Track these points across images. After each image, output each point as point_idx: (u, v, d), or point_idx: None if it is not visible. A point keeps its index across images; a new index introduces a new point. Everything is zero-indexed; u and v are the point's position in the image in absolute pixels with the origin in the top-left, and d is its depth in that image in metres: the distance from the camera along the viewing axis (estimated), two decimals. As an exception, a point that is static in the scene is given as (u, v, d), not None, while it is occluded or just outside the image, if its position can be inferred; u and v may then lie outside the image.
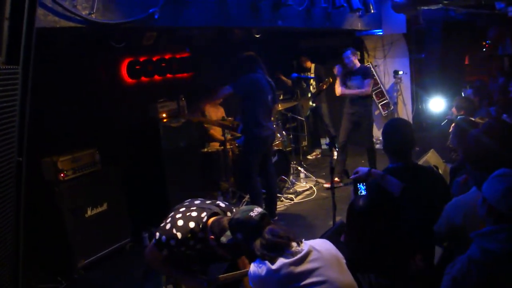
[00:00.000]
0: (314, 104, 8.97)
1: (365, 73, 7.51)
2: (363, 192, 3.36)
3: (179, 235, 3.31)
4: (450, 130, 5.50)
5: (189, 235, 3.32)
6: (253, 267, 2.70)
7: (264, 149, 6.06)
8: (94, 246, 5.34)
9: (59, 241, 5.11)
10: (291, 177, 7.81)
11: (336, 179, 7.55)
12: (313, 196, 7.46)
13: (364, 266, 2.95)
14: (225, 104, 7.51)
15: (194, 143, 6.74)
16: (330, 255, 2.69)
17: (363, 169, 3.47)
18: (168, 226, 3.38)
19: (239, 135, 6.69)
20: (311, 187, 7.80)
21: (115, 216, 5.59)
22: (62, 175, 5.09)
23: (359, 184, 3.40)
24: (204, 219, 3.35)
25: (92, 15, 3.80)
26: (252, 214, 2.89)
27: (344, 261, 2.74)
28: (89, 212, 5.31)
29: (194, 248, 3.39)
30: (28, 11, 2.12)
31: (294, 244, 2.67)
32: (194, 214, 3.42)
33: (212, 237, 3.24)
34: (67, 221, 5.07)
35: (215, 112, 7.43)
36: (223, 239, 3.09)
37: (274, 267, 2.58)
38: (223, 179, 7.18)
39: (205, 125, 7.29)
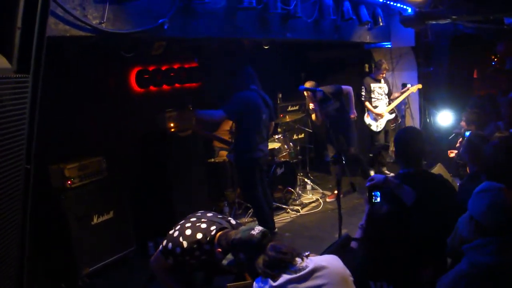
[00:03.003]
0: (394, 114, 8.93)
1: (332, 94, 7.56)
2: (378, 200, 3.33)
3: (185, 244, 3.33)
4: (457, 145, 5.48)
5: (195, 246, 3.34)
6: (255, 286, 2.69)
7: (256, 169, 5.88)
8: (99, 253, 5.35)
9: (64, 248, 5.12)
10: (297, 189, 7.79)
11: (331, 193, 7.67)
12: (319, 208, 7.45)
13: (377, 274, 2.93)
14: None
15: (201, 153, 6.75)
16: (337, 272, 2.65)
17: (379, 176, 3.45)
18: (175, 234, 3.41)
19: (226, 146, 6.62)
20: (317, 199, 7.78)
21: (120, 224, 5.60)
22: (69, 182, 5.11)
23: (374, 192, 3.36)
24: (213, 233, 3.38)
25: (103, 24, 3.83)
26: (253, 232, 2.84)
27: (351, 279, 2.71)
28: (95, 220, 5.32)
29: (199, 259, 3.40)
30: (40, 20, 2.14)
31: (298, 260, 2.64)
32: (203, 226, 3.44)
33: (219, 250, 3.24)
34: (73, 228, 5.08)
35: (226, 121, 7.43)
36: (224, 261, 3.07)
37: (275, 284, 2.56)
38: (230, 190, 7.18)
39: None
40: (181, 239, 3.37)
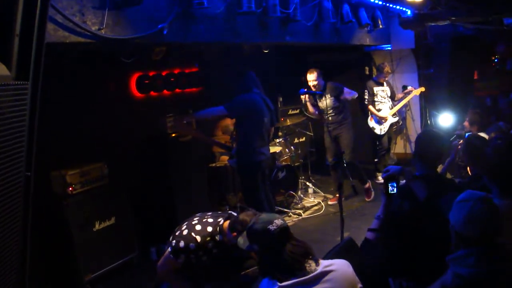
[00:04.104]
0: (397, 118, 8.92)
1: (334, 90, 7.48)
2: (395, 191, 3.29)
3: (198, 238, 3.39)
4: (459, 147, 5.49)
5: (208, 238, 3.42)
6: (262, 284, 2.64)
7: (258, 173, 5.82)
8: (101, 260, 5.34)
9: (66, 255, 5.12)
10: (299, 192, 7.79)
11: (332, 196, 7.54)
12: (321, 212, 7.44)
13: (396, 271, 2.91)
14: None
15: (202, 158, 6.75)
16: (345, 278, 2.61)
17: (395, 167, 3.41)
18: (185, 232, 3.44)
19: (226, 151, 6.59)
20: (319, 203, 7.77)
21: (122, 230, 5.60)
22: (70, 188, 5.12)
23: (390, 183, 3.32)
24: (221, 223, 3.44)
25: (102, 30, 3.84)
26: (270, 227, 2.67)
27: (359, 285, 2.67)
28: (97, 226, 5.32)
29: (210, 253, 3.45)
30: (38, 27, 2.14)
31: (310, 262, 2.59)
32: (210, 220, 3.53)
33: (235, 234, 3.26)
34: (75, 234, 5.08)
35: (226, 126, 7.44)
36: (240, 240, 3.05)
37: (282, 284, 2.52)
38: (231, 194, 7.18)
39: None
40: (193, 234, 3.41)
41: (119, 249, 5.56)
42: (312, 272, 2.54)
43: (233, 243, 3.27)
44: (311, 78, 7.38)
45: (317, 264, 2.60)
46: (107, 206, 5.47)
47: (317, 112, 7.64)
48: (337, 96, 7.47)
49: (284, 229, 2.73)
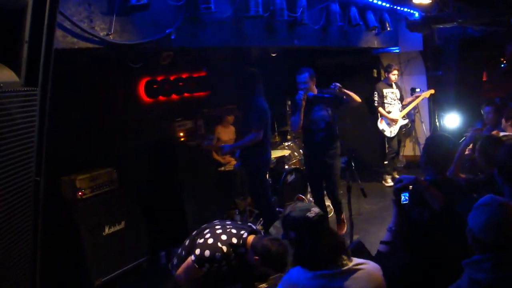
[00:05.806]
0: (406, 120, 8.89)
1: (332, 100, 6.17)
2: (407, 201, 3.26)
3: (224, 248, 3.41)
4: (467, 152, 5.45)
5: (231, 249, 3.43)
6: (292, 272, 2.62)
7: (267, 171, 5.97)
8: (111, 264, 5.36)
9: (76, 259, 5.14)
10: (308, 196, 7.77)
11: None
12: (330, 214, 7.39)
13: (421, 280, 2.89)
14: (236, 123, 7.57)
15: (211, 162, 6.76)
16: (375, 281, 2.57)
17: (408, 177, 3.37)
18: (210, 241, 3.44)
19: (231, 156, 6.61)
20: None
21: (132, 234, 5.62)
22: (80, 193, 5.15)
23: (403, 193, 3.29)
24: (244, 235, 3.47)
25: (110, 36, 3.85)
26: (309, 214, 2.64)
27: None
28: (106, 230, 5.34)
29: (230, 264, 3.47)
30: (47, 34, 2.16)
31: (344, 256, 2.55)
32: (234, 230, 3.54)
33: (257, 258, 3.27)
34: (85, 239, 5.10)
35: (226, 133, 7.45)
36: (273, 230, 3.10)
37: (310, 274, 2.49)
38: (240, 198, 7.18)
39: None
40: (219, 244, 3.41)
41: (128, 253, 5.58)
42: (343, 267, 2.51)
43: (252, 264, 3.36)
44: (301, 79, 6.20)
45: (349, 259, 2.57)
46: (117, 210, 5.50)
47: (297, 125, 6.19)
48: (333, 107, 6.25)
49: (323, 217, 2.71)
